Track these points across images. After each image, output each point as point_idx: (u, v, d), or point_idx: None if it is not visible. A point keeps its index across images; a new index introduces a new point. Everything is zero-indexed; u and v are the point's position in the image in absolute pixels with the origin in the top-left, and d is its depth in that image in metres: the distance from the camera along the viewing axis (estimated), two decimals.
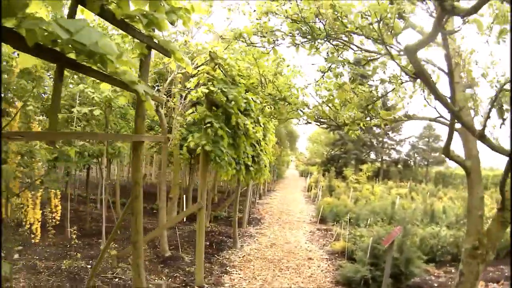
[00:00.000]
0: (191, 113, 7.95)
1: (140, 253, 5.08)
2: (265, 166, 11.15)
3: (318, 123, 6.93)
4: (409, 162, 47.83)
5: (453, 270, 10.50)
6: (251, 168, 9.59)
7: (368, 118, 6.46)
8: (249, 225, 15.43)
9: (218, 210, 16.53)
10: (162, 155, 10.98)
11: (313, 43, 5.53)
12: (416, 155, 47.35)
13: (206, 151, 7.34)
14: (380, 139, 46.73)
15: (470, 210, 5.45)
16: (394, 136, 47.35)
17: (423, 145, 47.17)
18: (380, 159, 47.02)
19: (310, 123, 7.11)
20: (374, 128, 46.63)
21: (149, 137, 7.22)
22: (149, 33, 4.13)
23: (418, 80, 4.96)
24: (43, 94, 8.81)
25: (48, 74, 8.64)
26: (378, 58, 5.37)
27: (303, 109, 6.83)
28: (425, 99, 5.83)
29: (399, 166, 47.22)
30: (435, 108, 5.53)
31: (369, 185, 31.30)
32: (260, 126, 9.69)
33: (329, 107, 6.57)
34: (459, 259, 11.80)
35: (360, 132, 7.34)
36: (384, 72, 5.24)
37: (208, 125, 7.23)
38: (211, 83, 7.52)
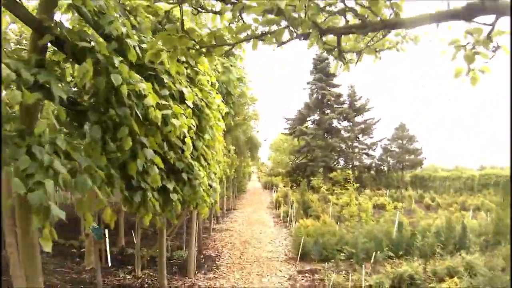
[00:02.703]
0: None
1: None
2: (210, 187, 6.20)
3: None
4: (382, 167, 43.64)
5: None
6: (175, 196, 4.61)
7: None
8: (199, 271, 10.43)
9: (153, 251, 11.35)
10: None
11: None
12: (389, 159, 43.16)
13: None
14: (350, 143, 42.53)
15: None
16: (365, 139, 43.29)
17: (397, 147, 43.02)
18: (351, 166, 42.72)
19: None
20: (343, 132, 42.74)
21: None
22: None
23: None
24: None
25: None
26: None
27: None
28: None
29: (372, 172, 42.92)
30: None
31: (347, 197, 26.84)
32: (188, 106, 4.72)
33: None
34: None
35: None
36: None
37: None
38: None
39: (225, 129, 8.79)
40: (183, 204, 4.97)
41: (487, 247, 11.24)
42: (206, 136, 5.68)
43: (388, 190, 32.90)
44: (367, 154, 43.45)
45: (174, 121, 3.91)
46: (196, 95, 5.12)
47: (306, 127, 43.46)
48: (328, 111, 43.08)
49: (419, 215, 16.26)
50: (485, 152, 77.52)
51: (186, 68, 5.28)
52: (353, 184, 16.92)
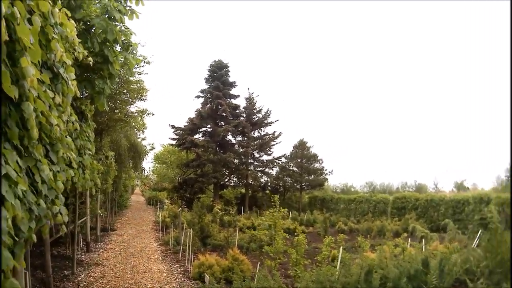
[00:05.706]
0: None
1: None
2: None
3: None
4: (278, 186, 40.96)
5: None
6: None
7: None
8: None
9: None
10: None
11: None
12: (286, 178, 40.56)
13: None
14: (245, 159, 39.39)
15: None
16: (261, 156, 40.39)
17: (296, 166, 40.65)
18: (244, 183, 39.55)
19: None
20: (238, 147, 39.59)
21: None
22: None
23: None
24: None
25: None
26: None
27: None
28: None
29: (267, 191, 39.84)
30: None
31: (245, 219, 23.37)
32: None
33: None
34: None
35: None
36: None
37: None
38: None
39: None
40: None
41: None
42: None
43: (290, 212, 30.02)
44: (263, 172, 40.58)
45: None
46: None
47: (197, 139, 39.57)
48: (223, 123, 39.68)
49: (363, 249, 12.71)
50: (374, 170, 78.80)
51: None
52: (280, 209, 12.70)
